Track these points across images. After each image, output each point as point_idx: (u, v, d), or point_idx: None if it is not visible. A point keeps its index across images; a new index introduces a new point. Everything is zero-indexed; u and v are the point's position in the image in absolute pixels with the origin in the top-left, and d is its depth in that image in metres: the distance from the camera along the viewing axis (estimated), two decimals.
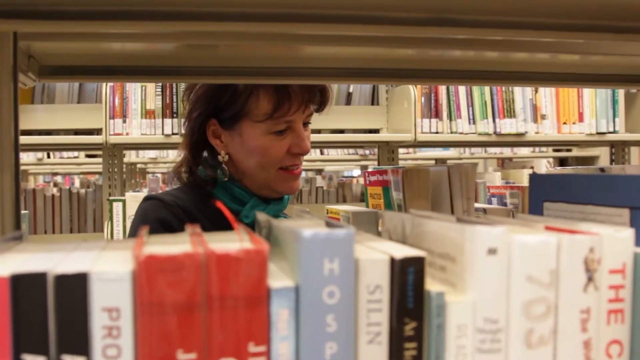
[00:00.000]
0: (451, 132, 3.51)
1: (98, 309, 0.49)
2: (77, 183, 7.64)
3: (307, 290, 0.52)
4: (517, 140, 3.60)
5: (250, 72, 1.21)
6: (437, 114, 3.49)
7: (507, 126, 3.51)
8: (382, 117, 3.58)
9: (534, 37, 1.01)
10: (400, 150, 4.07)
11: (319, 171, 7.98)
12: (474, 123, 3.50)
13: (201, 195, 1.38)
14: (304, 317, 0.52)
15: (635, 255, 0.60)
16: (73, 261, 0.53)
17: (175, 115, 3.18)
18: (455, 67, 1.33)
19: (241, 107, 1.33)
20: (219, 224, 1.26)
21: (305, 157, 1.48)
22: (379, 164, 3.62)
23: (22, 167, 0.88)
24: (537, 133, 3.60)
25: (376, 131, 3.61)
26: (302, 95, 1.34)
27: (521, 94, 3.55)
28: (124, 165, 4.01)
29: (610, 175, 0.77)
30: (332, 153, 6.20)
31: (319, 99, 1.40)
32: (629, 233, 0.60)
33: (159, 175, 6.94)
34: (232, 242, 0.54)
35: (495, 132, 3.51)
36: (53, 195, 3.67)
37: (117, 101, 3.17)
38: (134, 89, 3.18)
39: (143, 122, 3.18)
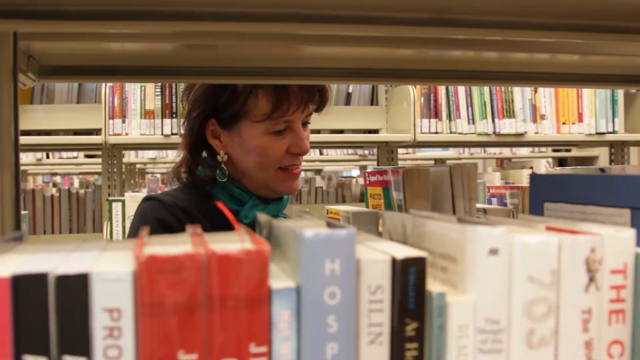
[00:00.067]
0: (450, 132, 3.51)
1: (99, 310, 0.49)
2: (76, 183, 7.64)
3: (308, 291, 0.52)
4: (517, 141, 3.60)
5: (250, 72, 1.21)
6: (437, 114, 3.49)
7: (507, 126, 3.51)
8: (382, 117, 3.58)
9: (533, 37, 1.01)
10: (400, 151, 4.07)
11: (318, 171, 7.97)
12: (474, 123, 3.50)
13: (200, 196, 1.38)
14: (305, 317, 0.52)
15: (637, 255, 0.60)
16: (74, 262, 0.53)
17: (174, 115, 3.18)
18: (454, 67, 1.33)
19: (240, 107, 1.33)
20: (219, 224, 1.26)
21: (305, 157, 1.48)
22: (378, 164, 3.62)
23: (21, 168, 0.88)
24: (536, 133, 3.60)
25: (375, 131, 3.61)
26: (301, 95, 1.34)
27: (520, 94, 3.55)
28: (123, 166, 4.01)
29: (611, 176, 0.77)
30: (332, 153, 6.19)
31: (318, 99, 1.40)
32: (630, 233, 0.60)
33: (158, 176, 6.94)
34: (233, 243, 0.54)
35: (494, 132, 3.51)
36: (52, 196, 3.67)
37: (116, 101, 3.17)
38: (133, 89, 3.18)
39: (142, 122, 3.17)
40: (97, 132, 3.22)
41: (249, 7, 0.81)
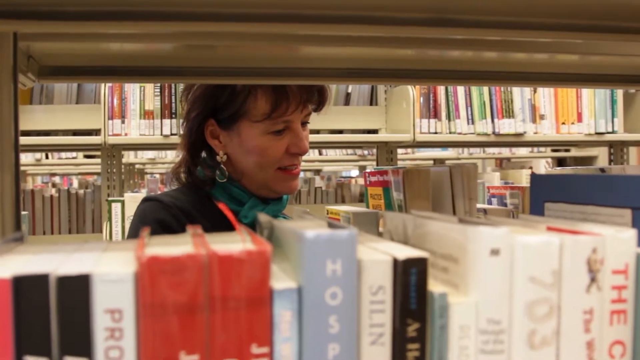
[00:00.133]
0: (450, 133, 3.51)
1: (100, 311, 0.49)
2: (75, 183, 7.63)
3: (309, 292, 0.52)
4: (516, 141, 3.60)
5: (249, 72, 1.21)
6: (436, 114, 3.50)
7: (506, 126, 3.51)
8: (381, 117, 3.58)
9: (533, 38, 1.01)
10: (399, 151, 4.07)
11: (317, 171, 7.97)
12: (473, 123, 3.50)
13: (200, 196, 1.38)
14: (306, 318, 0.52)
15: (638, 255, 0.60)
16: (75, 262, 0.53)
17: (173, 115, 3.18)
18: (454, 68, 1.33)
19: (239, 107, 1.33)
20: (218, 225, 1.26)
21: (304, 158, 1.48)
22: (377, 165, 3.62)
23: (20, 168, 0.88)
24: (535, 133, 3.60)
25: (375, 131, 3.61)
26: (300, 95, 1.34)
27: (520, 94, 3.55)
28: (123, 166, 4.01)
29: (612, 176, 0.77)
30: (331, 153, 6.19)
31: (317, 99, 1.40)
32: (631, 233, 0.60)
33: (157, 176, 6.94)
34: (234, 243, 0.54)
35: (494, 132, 3.51)
36: (52, 196, 3.66)
37: (115, 102, 3.17)
38: (132, 89, 3.18)
39: (142, 122, 3.17)
40: (96, 132, 3.22)
41: (249, 8, 0.81)
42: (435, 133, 3.50)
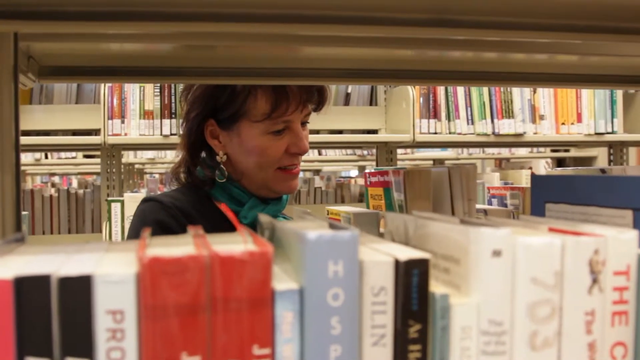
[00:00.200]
0: (449, 133, 3.51)
1: (102, 312, 0.49)
2: (74, 183, 7.63)
3: (311, 293, 0.52)
4: (516, 141, 3.60)
5: (249, 72, 1.21)
6: (436, 115, 3.49)
7: (506, 127, 3.51)
8: (381, 117, 3.58)
9: (532, 38, 1.01)
10: (399, 151, 4.07)
11: (317, 171, 7.97)
12: (473, 123, 3.50)
13: (199, 196, 1.38)
14: (308, 319, 0.52)
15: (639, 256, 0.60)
16: (76, 263, 0.53)
17: (173, 115, 3.18)
18: (453, 68, 1.33)
19: (239, 107, 1.33)
20: (218, 225, 1.26)
21: (303, 158, 1.48)
22: (377, 165, 3.62)
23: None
24: (535, 133, 3.60)
25: (374, 132, 3.61)
26: (300, 95, 1.34)
27: (519, 95, 3.55)
28: (122, 166, 4.01)
29: (613, 177, 0.77)
30: (330, 153, 6.19)
31: (317, 99, 1.40)
32: (633, 234, 0.60)
33: (157, 176, 6.93)
34: (235, 244, 0.54)
35: (493, 133, 3.51)
36: (51, 196, 3.66)
37: (115, 102, 3.16)
38: (132, 89, 3.18)
39: (141, 122, 3.17)
40: (96, 132, 3.22)
41: (248, 8, 0.81)
42: (435, 133, 3.50)
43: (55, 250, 0.60)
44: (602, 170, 1.16)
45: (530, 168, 5.30)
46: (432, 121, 3.48)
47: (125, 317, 0.49)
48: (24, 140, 3.14)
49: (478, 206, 1.25)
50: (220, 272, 0.50)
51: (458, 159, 6.09)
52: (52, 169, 7.15)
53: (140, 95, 3.18)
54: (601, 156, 4.78)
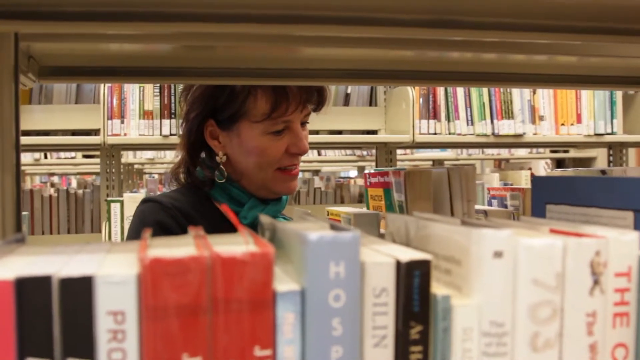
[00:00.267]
0: (449, 133, 3.51)
1: (103, 313, 0.49)
2: (73, 183, 7.62)
3: (312, 294, 0.52)
4: (515, 142, 3.60)
5: (249, 73, 1.21)
6: (435, 115, 3.49)
7: (505, 127, 3.51)
8: (380, 118, 3.58)
9: (532, 39, 1.01)
10: (398, 152, 4.06)
11: (316, 172, 7.97)
12: (472, 124, 3.50)
13: (199, 197, 1.38)
14: (309, 320, 0.52)
15: None
16: (77, 264, 0.53)
17: (173, 116, 3.18)
18: (453, 69, 1.33)
19: (239, 107, 1.32)
20: (217, 226, 1.26)
21: (303, 158, 1.48)
22: (377, 165, 3.62)
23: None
24: (535, 134, 3.60)
25: (374, 132, 3.61)
26: (300, 95, 1.34)
27: (519, 96, 3.55)
28: (122, 166, 4.01)
29: (614, 178, 0.77)
30: (330, 154, 6.19)
31: (317, 99, 1.40)
32: (634, 236, 0.60)
33: (156, 176, 6.93)
34: (237, 245, 0.54)
35: (493, 133, 3.51)
36: (50, 196, 3.66)
37: (115, 102, 3.16)
38: (132, 89, 3.17)
39: (141, 122, 3.17)
40: (95, 132, 3.22)
41: (248, 9, 0.81)
42: (435, 134, 3.50)
43: (56, 251, 0.60)
44: (603, 172, 1.16)
45: (530, 169, 5.30)
46: (431, 122, 3.48)
47: (127, 318, 0.49)
48: (23, 140, 3.11)
49: (478, 207, 1.25)
50: (222, 273, 0.50)
51: (457, 159, 6.10)
52: (51, 169, 7.14)
53: (140, 95, 3.18)
54: (600, 157, 4.78)
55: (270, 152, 1.33)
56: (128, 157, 5.25)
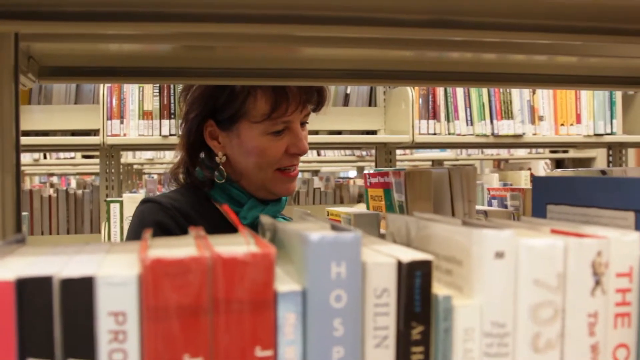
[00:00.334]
0: (449, 134, 3.51)
1: (104, 313, 0.49)
2: (73, 184, 7.62)
3: (314, 294, 0.52)
4: (515, 142, 3.60)
5: (249, 73, 1.21)
6: (435, 116, 3.49)
7: (505, 127, 3.51)
8: (380, 118, 3.58)
9: (532, 39, 1.01)
10: (398, 152, 4.06)
11: (316, 172, 7.97)
12: (472, 124, 3.50)
13: (198, 197, 1.38)
14: (311, 321, 0.52)
15: None
16: (78, 265, 0.53)
17: (172, 116, 3.18)
18: (453, 69, 1.33)
19: (239, 107, 1.32)
20: (217, 226, 1.26)
21: (302, 158, 1.48)
22: (376, 166, 3.62)
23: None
24: (534, 134, 3.60)
25: (374, 132, 3.61)
26: (300, 95, 1.34)
27: (519, 96, 3.55)
28: (121, 166, 4.00)
29: (615, 178, 0.77)
30: (329, 154, 6.19)
31: (317, 99, 1.40)
32: (635, 236, 0.60)
33: (156, 176, 6.93)
34: (237, 246, 0.53)
35: (492, 134, 3.51)
36: (50, 196, 3.66)
37: (114, 102, 3.16)
38: (131, 90, 3.17)
39: (140, 123, 3.16)
40: (95, 132, 3.22)
41: (248, 9, 0.81)
42: (434, 134, 3.50)
43: (57, 251, 0.60)
44: (603, 172, 1.16)
45: (529, 169, 5.31)
46: (431, 122, 3.48)
47: (127, 319, 0.49)
48: (23, 140, 3.12)
49: (478, 207, 1.25)
50: (223, 273, 0.50)
51: (457, 159, 6.10)
52: (50, 169, 7.14)
53: (140, 95, 3.18)
54: (600, 157, 4.78)
55: (270, 153, 1.33)
56: (127, 157, 5.25)
